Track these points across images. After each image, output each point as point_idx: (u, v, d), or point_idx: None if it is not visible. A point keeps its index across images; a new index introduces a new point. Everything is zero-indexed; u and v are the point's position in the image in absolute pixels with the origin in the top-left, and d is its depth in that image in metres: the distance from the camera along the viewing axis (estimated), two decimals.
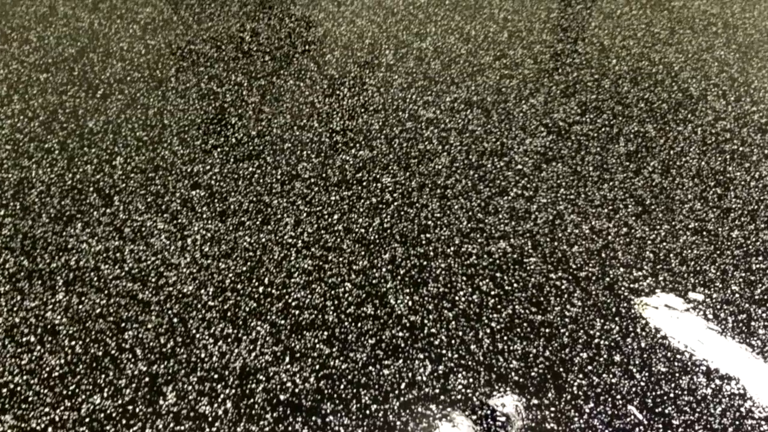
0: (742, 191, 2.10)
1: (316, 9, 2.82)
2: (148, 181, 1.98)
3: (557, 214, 1.98)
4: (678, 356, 1.63)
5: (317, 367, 1.54)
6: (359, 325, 1.64)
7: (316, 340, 1.59)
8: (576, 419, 1.48)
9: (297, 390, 1.49)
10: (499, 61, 2.59)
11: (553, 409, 1.49)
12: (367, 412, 1.46)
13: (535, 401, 1.50)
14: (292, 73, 2.45)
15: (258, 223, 1.88)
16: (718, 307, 1.75)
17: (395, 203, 1.98)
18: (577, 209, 2.00)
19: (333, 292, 1.71)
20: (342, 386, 1.51)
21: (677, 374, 1.59)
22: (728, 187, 2.11)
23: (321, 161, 2.09)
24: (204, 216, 1.88)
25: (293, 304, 1.67)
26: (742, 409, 1.53)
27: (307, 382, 1.50)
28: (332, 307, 1.67)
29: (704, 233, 1.95)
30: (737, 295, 1.78)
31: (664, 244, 1.92)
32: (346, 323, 1.64)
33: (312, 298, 1.69)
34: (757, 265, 1.87)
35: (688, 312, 1.74)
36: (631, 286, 1.79)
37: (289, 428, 1.44)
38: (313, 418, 1.44)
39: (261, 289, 1.71)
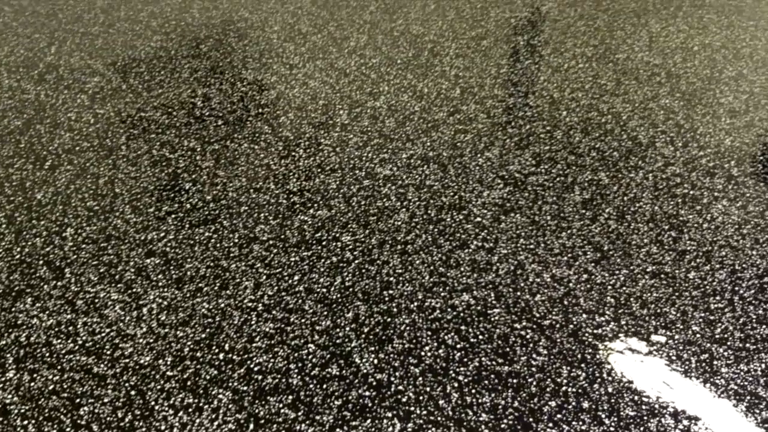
0: (696, 233, 2.13)
1: (268, 72, 2.84)
2: (100, 251, 1.94)
3: (518, 264, 1.99)
4: (645, 399, 1.62)
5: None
6: (324, 386, 1.61)
7: (281, 405, 1.56)
8: None
9: None
10: (453, 117, 2.63)
11: None
12: None
13: None
14: (246, 137, 2.45)
15: (216, 288, 1.85)
16: (681, 348, 1.76)
17: (356, 261, 1.97)
18: (538, 258, 2.01)
19: (296, 354, 1.68)
20: None
21: (645, 417, 1.58)
22: (682, 230, 2.14)
23: (279, 223, 2.08)
24: (160, 284, 1.85)
25: (255, 369, 1.64)
26: None
27: None
28: (296, 370, 1.64)
29: (662, 276, 1.97)
30: (698, 336, 1.79)
31: (624, 288, 1.93)
32: (311, 386, 1.61)
33: (275, 361, 1.66)
34: (716, 305, 1.89)
35: (652, 354, 1.75)
36: (595, 332, 1.79)
37: None
38: None
39: (221, 355, 1.67)
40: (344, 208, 2.15)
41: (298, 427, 1.51)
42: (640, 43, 3.27)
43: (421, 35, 3.24)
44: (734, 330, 1.81)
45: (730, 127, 2.65)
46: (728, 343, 1.78)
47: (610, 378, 1.67)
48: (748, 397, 1.64)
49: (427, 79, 2.87)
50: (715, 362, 1.72)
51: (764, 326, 1.83)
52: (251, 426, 1.49)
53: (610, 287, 1.93)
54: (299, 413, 1.54)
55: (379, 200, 2.19)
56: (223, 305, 1.80)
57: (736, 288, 1.95)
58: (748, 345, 1.78)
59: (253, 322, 1.76)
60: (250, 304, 1.81)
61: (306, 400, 1.56)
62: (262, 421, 1.51)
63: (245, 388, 1.59)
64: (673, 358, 1.74)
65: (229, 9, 3.40)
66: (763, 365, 1.73)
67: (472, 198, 2.23)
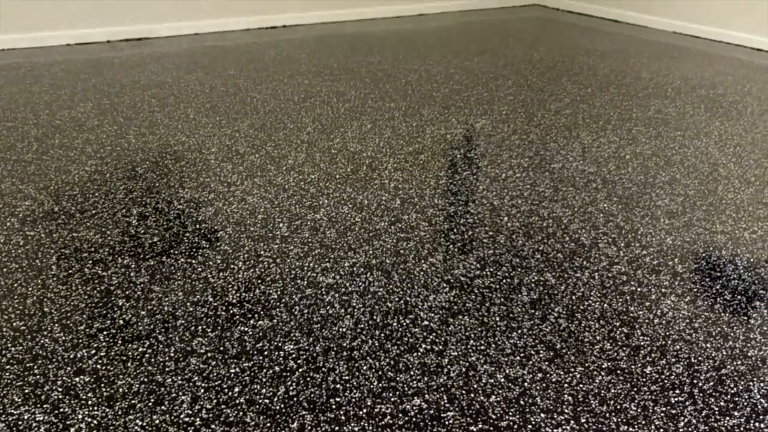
0: (648, 329, 2.09)
1: (206, 190, 2.80)
2: (25, 372, 1.80)
3: (470, 366, 1.91)
4: None
5: None
6: None
7: None
8: None
9: None
10: (395, 226, 2.60)
11: None
12: None
13: None
14: (183, 252, 2.37)
15: (150, 404, 1.72)
16: None
17: (300, 370, 1.86)
18: (490, 359, 1.94)
19: None
20: None
21: None
22: (633, 326, 2.10)
23: (218, 335, 1.98)
24: (89, 402, 1.71)
25: None
26: None
27: None
28: None
29: (618, 372, 1.91)
30: (661, 430, 1.72)
31: (581, 385, 1.86)
32: None
33: None
34: (676, 399, 1.83)
35: None
36: (555, 431, 1.71)
37: None
38: None
39: None
40: (286, 318, 2.07)
41: None
42: (574, 153, 3.35)
43: (359, 152, 3.26)
44: (698, 423, 1.75)
45: (669, 227, 2.68)
46: None
47: None
48: None
49: (367, 192, 2.85)
50: None
51: (728, 418, 1.77)
52: None
53: (566, 385, 1.86)
54: None
55: (322, 308, 2.11)
56: (157, 421, 1.67)
57: (695, 381, 1.89)
58: (722, 425, 1.71)
59: None
60: (187, 419, 1.68)
61: None
62: None
63: None
64: None
65: (166, 134, 3.38)
66: None
67: (419, 302, 2.17)
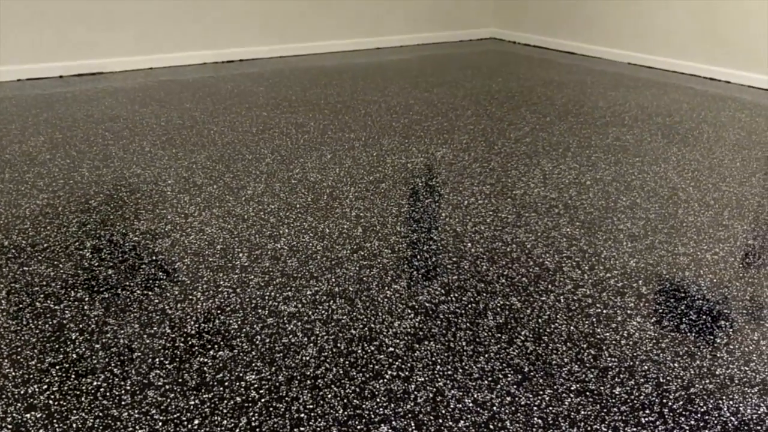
0: (615, 350, 2.07)
1: (162, 222, 2.73)
2: None
3: (437, 391, 1.86)
4: None
5: None
6: None
7: None
8: None
9: None
10: (357, 254, 2.55)
11: None
12: None
13: None
14: (138, 284, 2.30)
15: None
16: None
17: (262, 400, 1.80)
18: (457, 384, 1.89)
19: None
20: None
21: None
22: (600, 347, 2.08)
23: (176, 367, 1.90)
24: None
25: None
26: None
27: None
28: None
29: (587, 393, 1.88)
30: None
31: (550, 408, 1.82)
32: None
33: None
34: (646, 419, 1.80)
35: None
36: None
37: None
38: None
39: None
40: (247, 347, 2.00)
41: None
42: (535, 179, 3.35)
43: (319, 181, 3.22)
44: None
45: (632, 251, 2.67)
46: None
47: None
48: None
49: (328, 221, 2.81)
50: None
51: None
52: None
53: (535, 408, 1.82)
54: None
55: (284, 337, 2.05)
56: None
57: (665, 401, 1.87)
58: None
59: None
60: None
61: None
62: None
63: None
64: None
65: (121, 167, 3.31)
66: None
67: (383, 329, 2.12)
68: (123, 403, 1.77)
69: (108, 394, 1.80)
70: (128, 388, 1.82)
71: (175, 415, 1.73)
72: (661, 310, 2.29)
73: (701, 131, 4.20)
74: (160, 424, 1.70)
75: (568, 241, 2.73)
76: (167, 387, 1.83)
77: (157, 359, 1.94)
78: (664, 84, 5.37)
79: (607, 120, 4.35)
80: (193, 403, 1.78)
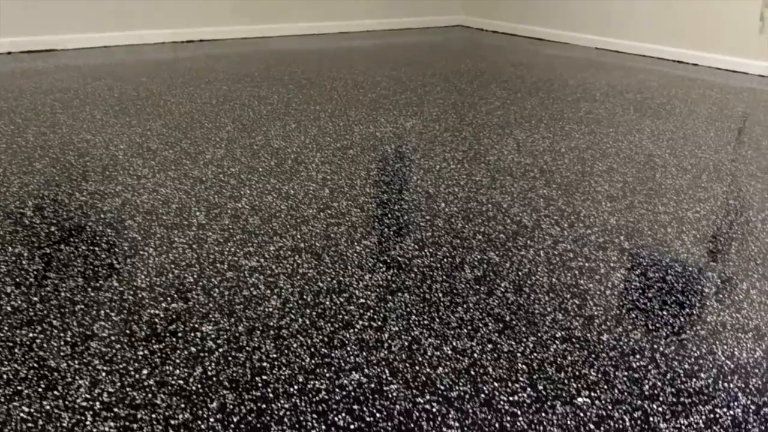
0: (600, 299, 1.93)
1: (112, 183, 2.55)
2: None
3: (413, 340, 1.70)
4: None
5: None
6: None
7: None
8: None
9: None
10: (324, 213, 2.39)
11: None
12: None
13: None
14: (84, 240, 2.11)
15: (40, 390, 1.46)
16: (610, 408, 1.50)
17: (220, 349, 1.63)
18: (434, 332, 1.74)
19: None
20: None
21: None
22: (585, 297, 1.94)
23: (123, 318, 1.72)
24: None
25: None
26: None
27: None
28: None
29: (573, 340, 1.74)
30: (626, 394, 1.55)
31: (535, 354, 1.68)
32: None
33: None
34: (637, 363, 1.66)
35: (579, 416, 1.48)
36: (511, 398, 1.51)
37: None
38: None
39: None
40: (204, 300, 1.83)
41: None
42: (509, 147, 3.22)
43: (283, 148, 3.06)
44: (663, 386, 1.58)
45: (612, 209, 2.55)
46: (660, 399, 1.53)
47: None
48: None
49: (293, 183, 2.65)
50: (651, 419, 1.47)
51: (694, 379, 1.61)
52: None
53: (519, 354, 1.67)
54: None
55: (245, 290, 1.89)
56: (48, 407, 1.41)
57: (656, 346, 1.73)
58: (682, 399, 1.54)
59: (87, 422, 1.37)
60: (84, 404, 1.42)
61: None
62: None
63: None
64: (604, 417, 1.47)
65: (69, 133, 3.12)
66: (704, 417, 1.48)
67: (353, 282, 1.96)
68: (62, 354, 1.58)
69: (45, 345, 1.61)
70: (68, 339, 1.64)
71: (120, 365, 1.55)
72: (645, 263, 2.16)
73: (673, 106, 4.11)
74: (104, 374, 1.52)
75: (546, 202, 2.60)
76: (113, 338, 1.65)
77: (102, 311, 1.76)
78: (632, 66, 5.30)
79: (578, 96, 4.25)
80: (142, 353, 1.60)
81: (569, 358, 1.67)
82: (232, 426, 1.38)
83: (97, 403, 1.43)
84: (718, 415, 1.49)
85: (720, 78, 4.99)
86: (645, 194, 2.72)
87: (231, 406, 1.44)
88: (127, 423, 1.38)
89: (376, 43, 5.90)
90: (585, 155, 3.15)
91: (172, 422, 1.39)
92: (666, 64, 5.43)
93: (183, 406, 1.44)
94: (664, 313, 1.89)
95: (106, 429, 1.36)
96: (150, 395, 1.46)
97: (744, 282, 2.08)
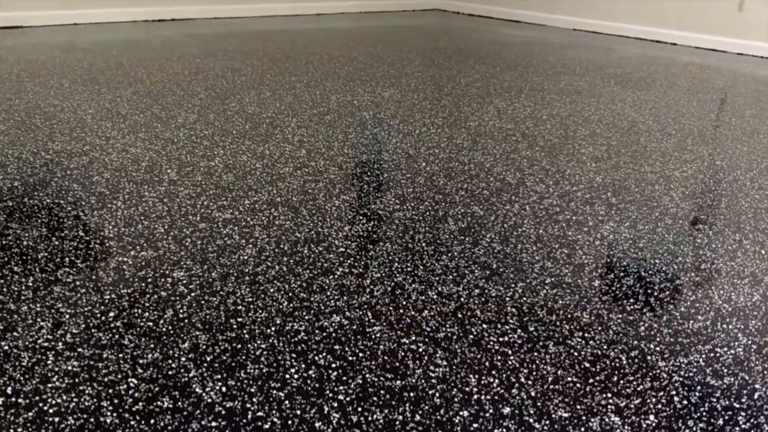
0: (590, 249, 1.86)
1: (80, 143, 2.44)
2: None
3: (396, 285, 1.62)
4: (580, 399, 1.26)
5: None
6: (152, 421, 1.13)
7: None
8: None
9: None
10: (300, 171, 2.30)
11: None
12: None
13: None
14: (49, 194, 2.01)
15: None
16: (605, 347, 1.42)
17: (192, 294, 1.53)
18: (419, 278, 1.65)
19: (111, 390, 1.20)
20: None
21: (583, 417, 1.21)
22: (574, 248, 1.87)
23: (89, 265, 1.62)
24: None
25: (51, 411, 1.14)
26: None
27: None
28: (110, 408, 1.16)
29: (564, 286, 1.66)
30: (621, 335, 1.47)
31: (525, 299, 1.60)
32: (133, 422, 1.13)
33: (80, 401, 1.17)
34: (631, 306, 1.59)
35: (574, 355, 1.41)
36: (501, 339, 1.43)
37: None
38: None
39: (1, 400, 1.17)
40: (175, 248, 1.73)
41: None
42: (489, 114, 3.15)
43: (258, 113, 2.96)
44: (660, 327, 1.51)
45: (597, 169, 2.48)
46: (657, 339, 1.46)
47: (530, 382, 1.29)
48: (699, 387, 1.30)
49: (268, 144, 2.55)
50: (649, 357, 1.39)
51: (692, 321, 1.54)
52: None
53: (508, 299, 1.59)
54: None
55: (219, 239, 1.79)
56: (6, 347, 1.31)
57: (650, 291, 1.66)
58: (680, 339, 1.47)
59: (49, 362, 1.27)
60: (45, 344, 1.32)
61: None
62: None
63: None
64: (599, 356, 1.39)
65: (35, 99, 3.00)
66: (704, 356, 1.41)
67: (332, 232, 1.87)
68: (23, 297, 1.48)
69: (5, 290, 1.51)
70: (30, 284, 1.54)
71: (86, 308, 1.45)
72: (634, 217, 2.09)
73: (653, 79, 4.06)
74: (68, 316, 1.42)
75: (529, 162, 2.52)
76: (78, 283, 1.55)
77: (66, 258, 1.66)
78: (611, 45, 5.25)
79: (558, 70, 4.19)
80: (108, 297, 1.50)
81: (560, 302, 1.60)
82: (206, 365, 1.29)
83: (60, 344, 1.33)
84: (718, 354, 1.42)
85: (699, 56, 4.96)
86: (630, 156, 2.66)
87: (204, 346, 1.35)
88: (92, 362, 1.28)
89: (352, 24, 5.82)
90: (567, 122, 3.09)
91: (141, 361, 1.29)
92: (645, 44, 5.39)
93: (152, 346, 1.34)
94: (657, 261, 1.82)
95: (69, 368, 1.26)
96: (117, 336, 1.36)
97: (736, 234, 2.01)
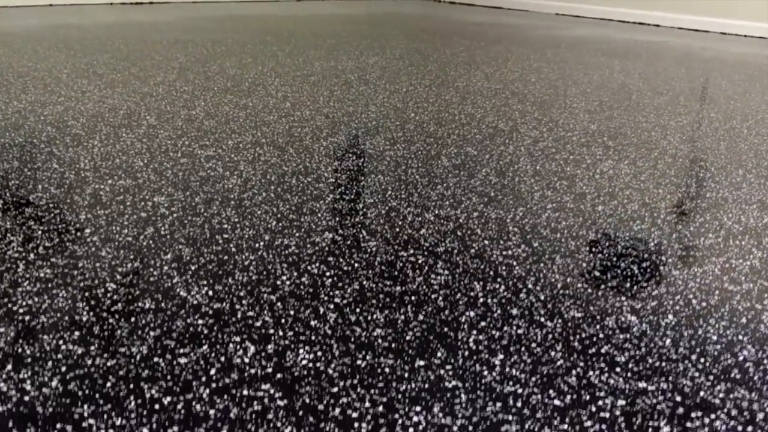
0: (590, 181, 1.79)
1: (54, 95, 2.34)
2: None
3: (391, 209, 1.53)
4: (592, 301, 1.18)
5: (63, 369, 0.90)
6: (133, 320, 1.03)
7: (61, 342, 0.97)
8: (486, 372, 0.95)
9: (28, 398, 0.85)
10: (286, 119, 2.21)
11: (450, 367, 0.96)
12: (156, 407, 0.84)
13: (421, 363, 0.96)
14: (22, 134, 1.90)
15: None
16: (615, 260, 1.34)
17: (175, 215, 1.44)
18: (414, 203, 1.57)
19: (87, 294, 1.10)
20: (109, 384, 0.88)
21: (597, 316, 1.13)
22: (573, 180, 1.79)
23: (63, 191, 1.52)
24: None
25: (21, 311, 1.04)
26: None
27: (47, 387, 0.87)
28: (86, 309, 1.06)
29: (566, 210, 1.59)
30: (631, 249, 1.39)
31: (527, 220, 1.52)
32: (111, 321, 1.03)
33: (53, 302, 1.07)
34: (638, 227, 1.51)
35: (582, 265, 1.33)
36: (505, 253, 1.35)
37: None
38: (60, 425, 0.81)
39: None
40: (155, 178, 1.64)
41: (89, 362, 0.92)
42: (477, 77, 3.08)
43: (239, 74, 2.87)
44: (671, 243, 1.43)
45: (591, 119, 2.42)
46: (669, 253, 1.39)
47: (538, 288, 1.21)
48: (717, 292, 1.23)
49: (251, 98, 2.46)
50: (662, 268, 1.32)
51: (703, 238, 1.47)
52: (9, 366, 0.89)
53: (509, 221, 1.51)
54: (91, 348, 0.95)
55: (202, 171, 1.70)
56: None
57: (655, 215, 1.59)
58: (693, 253, 1.39)
59: (19, 270, 1.17)
60: (16, 255, 1.22)
61: (103, 335, 0.98)
62: (29, 360, 0.91)
63: (2, 329, 0.99)
64: (609, 266, 1.32)
65: (8, 61, 2.89)
66: (719, 266, 1.34)
67: (321, 167, 1.79)
68: None
69: None
70: (0, 206, 1.43)
71: (60, 226, 1.35)
72: (633, 156, 2.02)
73: (639, 52, 4.02)
74: (39, 233, 1.32)
75: (521, 113, 2.45)
76: (50, 205, 1.45)
77: (39, 185, 1.56)
78: (595, 26, 5.21)
79: (543, 44, 4.13)
80: (85, 217, 1.40)
81: (564, 223, 1.52)
82: (189, 273, 1.19)
83: (32, 254, 1.23)
84: (734, 265, 1.35)
85: (683, 35, 4.94)
86: (624, 109, 2.60)
87: (188, 257, 1.25)
88: (66, 270, 1.18)
89: (334, 10, 5.74)
90: (556, 83, 3.02)
91: (119, 269, 1.19)
92: (628, 26, 5.36)
93: (132, 257, 1.24)
94: (660, 191, 1.75)
95: (42, 275, 1.16)
96: (93, 249, 1.26)
97: (739, 169, 1.95)
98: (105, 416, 0.82)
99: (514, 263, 1.31)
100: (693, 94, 2.91)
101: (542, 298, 1.18)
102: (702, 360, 1.01)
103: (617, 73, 3.31)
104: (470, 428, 0.84)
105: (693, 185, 1.79)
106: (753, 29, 4.90)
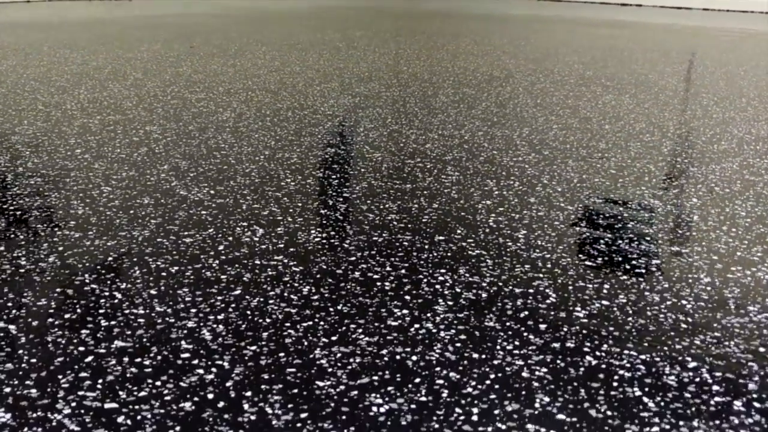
0: (593, 109, 1.75)
1: (35, 60, 2.27)
2: None
3: (393, 131, 1.48)
4: (610, 191, 1.13)
5: (60, 248, 0.84)
6: (132, 212, 0.98)
7: (56, 230, 0.91)
8: (510, 244, 0.90)
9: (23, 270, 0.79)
10: (276, 72, 2.17)
11: (471, 241, 0.91)
12: (164, 274, 0.78)
13: (441, 237, 0.91)
14: (5, 87, 1.84)
15: None
16: (629, 161, 1.30)
17: (168, 139, 1.38)
18: (416, 127, 1.52)
19: (81, 194, 1.04)
20: (111, 258, 0.82)
21: (619, 201, 1.08)
22: (576, 109, 1.75)
23: (50, 125, 1.46)
24: None
25: (11, 208, 0.98)
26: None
27: (43, 261, 0.81)
28: (81, 204, 1.00)
29: (573, 129, 1.54)
30: (643, 153, 1.35)
31: (534, 136, 1.47)
32: (109, 213, 0.97)
33: (45, 201, 1.01)
34: (648, 139, 1.47)
35: (595, 166, 1.28)
36: (515, 159, 1.30)
37: None
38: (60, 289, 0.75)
39: None
40: (145, 114, 1.58)
41: (88, 243, 0.86)
42: (466, 42, 3.05)
43: (224, 44, 2.82)
44: (685, 149, 1.39)
45: (585, 68, 2.40)
46: (684, 155, 1.34)
47: (554, 183, 1.16)
48: (739, 182, 1.18)
49: (238, 59, 2.41)
50: (678, 166, 1.27)
51: (716, 144, 1.42)
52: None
53: (516, 137, 1.46)
54: (89, 232, 0.89)
55: (194, 108, 1.64)
56: None
57: (664, 130, 1.55)
58: (708, 155, 1.35)
59: (8, 180, 1.10)
60: (2, 170, 1.16)
61: (100, 224, 0.92)
62: (23, 242, 0.85)
63: None
64: (624, 166, 1.27)
65: (13, 37, 2.82)
66: (737, 164, 1.29)
67: (316, 103, 1.73)
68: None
69: None
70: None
71: (49, 149, 1.29)
72: (633, 92, 1.99)
73: (626, 24, 4.02)
74: (28, 153, 1.25)
75: (515, 65, 2.42)
76: (37, 134, 1.39)
77: (25, 121, 1.49)
78: (578, 8, 5.21)
79: (527, 21, 4.12)
80: (73, 141, 1.34)
81: (572, 137, 1.47)
82: (188, 179, 1.13)
83: (20, 168, 1.17)
84: (751, 163, 1.30)
85: (667, 12, 4.94)
86: (617, 61, 2.56)
87: (186, 168, 1.19)
88: (57, 179, 1.12)
89: (317, 2, 5.71)
90: (547, 45, 2.99)
91: (115, 177, 1.13)
92: (611, 6, 5.36)
93: (126, 168, 1.18)
94: (666, 114, 1.71)
95: (32, 183, 1.10)
96: (84, 165, 1.20)
97: (742, 98, 1.91)
98: (109, 283, 0.76)
99: (527, 166, 1.26)
100: (684, 50, 2.88)
101: (559, 190, 1.13)
102: (734, 230, 0.97)
103: (605, 39, 3.29)
104: (500, 284, 0.79)
105: (698, 109, 1.75)
106: (735, 3, 4.91)
